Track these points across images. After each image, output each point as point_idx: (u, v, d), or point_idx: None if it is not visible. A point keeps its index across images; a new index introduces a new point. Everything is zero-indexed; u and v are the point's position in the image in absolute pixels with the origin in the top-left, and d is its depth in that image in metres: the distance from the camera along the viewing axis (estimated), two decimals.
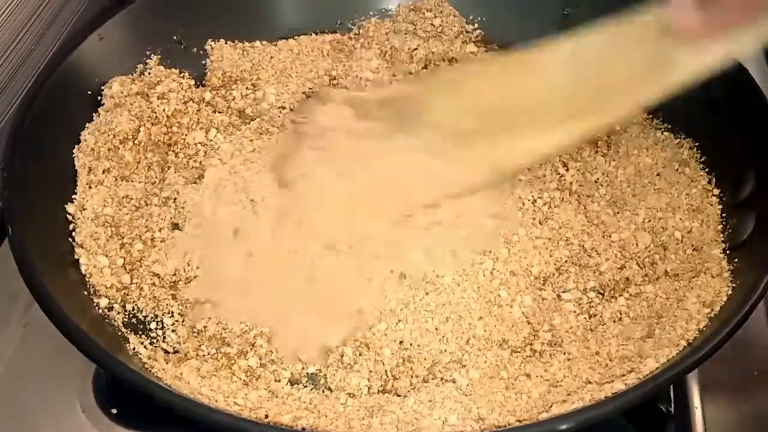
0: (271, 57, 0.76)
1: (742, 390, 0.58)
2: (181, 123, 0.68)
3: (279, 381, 0.54)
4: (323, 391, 0.54)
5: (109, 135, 0.64)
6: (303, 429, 0.49)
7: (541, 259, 0.59)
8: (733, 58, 0.49)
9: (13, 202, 0.55)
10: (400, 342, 0.55)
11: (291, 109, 0.71)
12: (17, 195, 0.55)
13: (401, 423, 0.50)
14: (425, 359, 0.54)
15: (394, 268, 0.57)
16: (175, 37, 0.73)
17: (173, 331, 0.57)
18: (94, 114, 0.66)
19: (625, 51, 0.52)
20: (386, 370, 0.54)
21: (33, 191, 0.57)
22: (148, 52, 0.71)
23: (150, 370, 0.52)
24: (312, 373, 0.55)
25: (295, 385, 0.54)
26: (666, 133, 0.69)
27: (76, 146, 0.63)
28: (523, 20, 0.76)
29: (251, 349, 0.55)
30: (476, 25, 0.79)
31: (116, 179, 0.63)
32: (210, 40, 0.75)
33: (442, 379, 0.54)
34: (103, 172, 0.63)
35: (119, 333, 0.55)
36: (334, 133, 0.61)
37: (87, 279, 0.57)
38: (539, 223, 0.61)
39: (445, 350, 0.55)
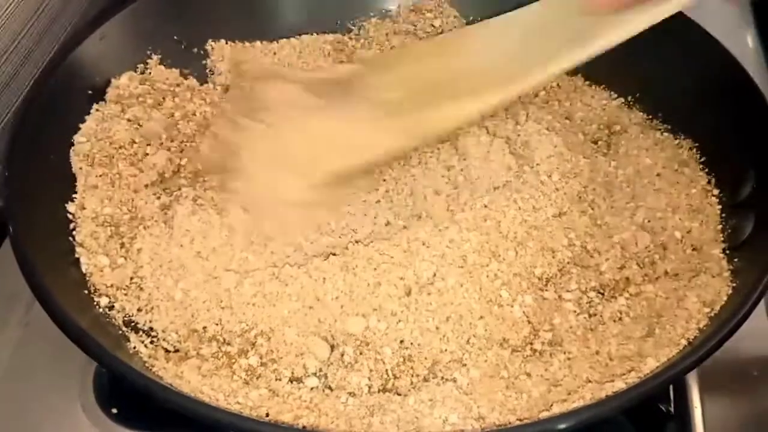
0: (272, 57, 0.76)
1: (742, 390, 0.58)
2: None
3: (280, 380, 0.54)
4: (324, 390, 0.53)
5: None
6: (304, 427, 0.49)
7: (544, 261, 0.59)
8: (644, 28, 0.54)
9: (14, 202, 0.55)
10: (401, 341, 0.55)
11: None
12: (18, 194, 0.55)
13: (402, 422, 0.50)
14: (426, 358, 0.54)
15: (404, 275, 0.57)
16: (175, 37, 0.73)
17: (174, 331, 0.57)
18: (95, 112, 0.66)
19: (546, 28, 0.59)
20: (387, 369, 0.54)
21: (34, 190, 0.57)
22: (148, 52, 0.71)
23: (151, 369, 0.52)
24: (313, 372, 0.54)
25: (296, 384, 0.54)
26: (666, 134, 0.69)
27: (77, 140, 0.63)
28: None
29: (252, 348, 0.55)
30: None
31: None
32: (211, 40, 0.75)
33: (442, 378, 0.54)
34: None
35: (120, 332, 0.55)
36: (278, 106, 0.63)
37: (87, 278, 0.57)
38: (546, 225, 0.61)
39: (446, 349, 0.55)
